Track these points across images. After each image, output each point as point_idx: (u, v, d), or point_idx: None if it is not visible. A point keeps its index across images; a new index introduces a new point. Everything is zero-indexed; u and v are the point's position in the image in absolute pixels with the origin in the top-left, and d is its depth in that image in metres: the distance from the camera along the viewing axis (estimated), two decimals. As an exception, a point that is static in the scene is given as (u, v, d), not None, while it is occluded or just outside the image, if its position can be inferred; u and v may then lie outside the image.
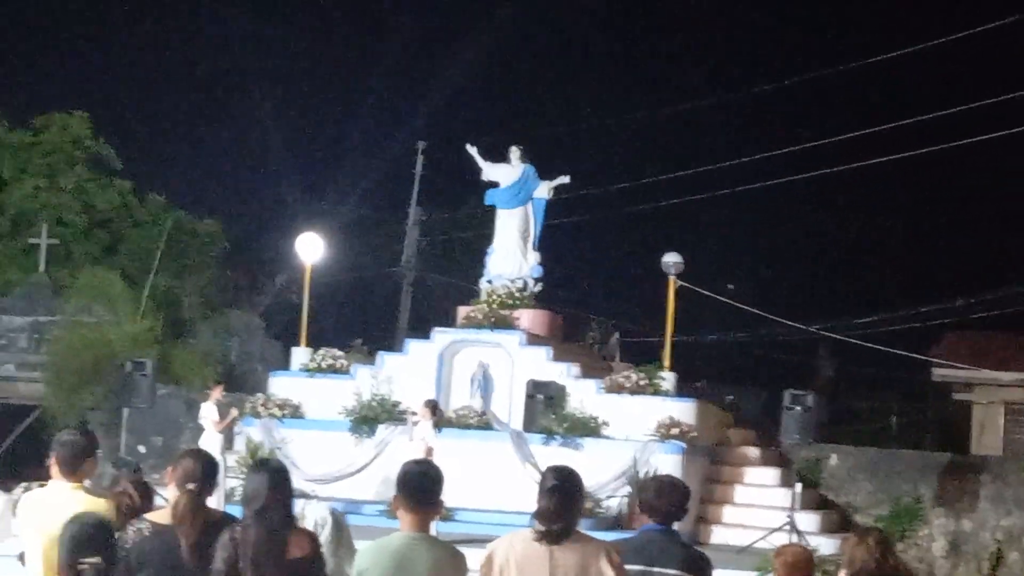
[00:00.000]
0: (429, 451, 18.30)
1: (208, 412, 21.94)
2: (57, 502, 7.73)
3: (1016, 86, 27.88)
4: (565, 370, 22.74)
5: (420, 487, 6.90)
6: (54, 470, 7.90)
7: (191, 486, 6.99)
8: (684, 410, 22.01)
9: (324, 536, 9.28)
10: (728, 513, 22.09)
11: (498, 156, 24.97)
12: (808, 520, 21.07)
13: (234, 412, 22.11)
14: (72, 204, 32.05)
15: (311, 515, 9.36)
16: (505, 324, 23.41)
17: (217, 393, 22.19)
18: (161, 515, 7.07)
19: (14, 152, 33.02)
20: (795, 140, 33.84)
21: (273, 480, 6.86)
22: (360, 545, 7.39)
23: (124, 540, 6.95)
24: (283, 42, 53.61)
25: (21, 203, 32.21)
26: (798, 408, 21.17)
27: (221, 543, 6.73)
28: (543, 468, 7.27)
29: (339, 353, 24.07)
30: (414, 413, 20.55)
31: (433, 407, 20.10)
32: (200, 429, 22.02)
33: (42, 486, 8.11)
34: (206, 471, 7.13)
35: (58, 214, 31.69)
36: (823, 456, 23.59)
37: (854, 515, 22.93)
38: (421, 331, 25.80)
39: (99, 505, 7.67)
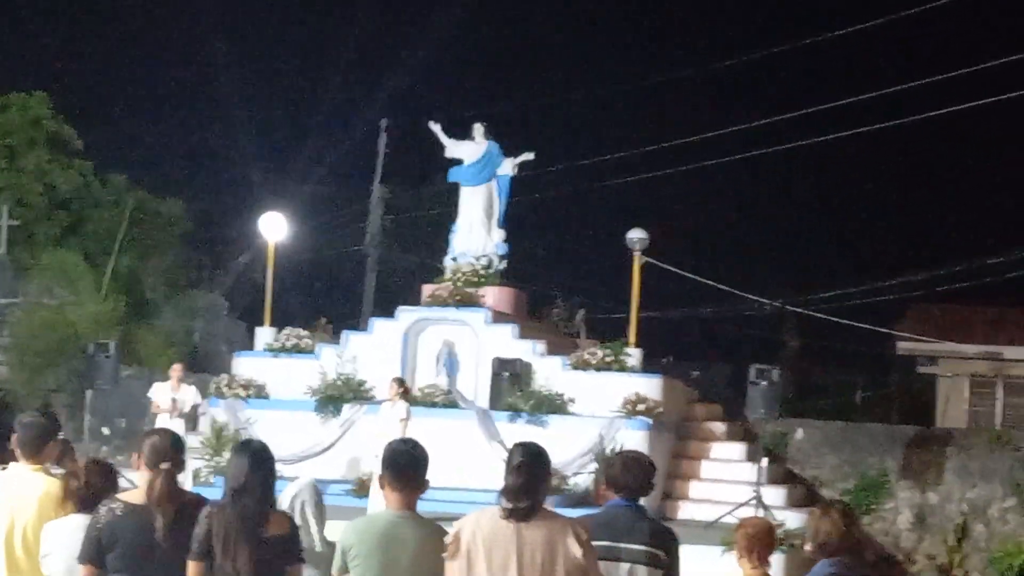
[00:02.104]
0: (403, 428, 18.37)
1: (153, 393, 21.76)
2: (18, 484, 7.66)
3: (981, 59, 27.96)
4: (531, 347, 22.70)
5: (406, 465, 6.96)
6: (16, 452, 7.83)
7: (165, 465, 7.00)
8: (650, 386, 22.00)
9: (308, 510, 9.24)
10: (695, 488, 22.11)
11: (462, 133, 24.87)
12: (774, 494, 21.11)
13: (167, 407, 21.79)
14: (33, 185, 31.83)
15: (290, 491, 9.32)
16: (470, 302, 23.34)
17: (175, 373, 21.99)
18: (133, 495, 7.07)
19: (-27, 133, 32.75)
20: (758, 115, 33.88)
21: (253, 462, 6.97)
22: (329, 525, 7.38)
23: (96, 520, 6.97)
24: (246, 20, 53.37)
25: (-19, 184, 31.95)
26: (763, 383, 21.17)
27: (199, 520, 6.84)
28: (510, 445, 7.23)
29: (303, 333, 23.97)
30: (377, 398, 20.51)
31: (400, 382, 20.13)
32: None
33: (3, 468, 8.04)
34: (176, 449, 7.17)
35: (19, 195, 31.47)
36: (789, 430, 23.64)
37: (820, 489, 22.99)
38: (386, 310, 25.70)
39: (59, 486, 7.61)
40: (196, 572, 6.84)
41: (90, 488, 7.38)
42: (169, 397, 21.72)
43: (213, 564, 6.80)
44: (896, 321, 30.75)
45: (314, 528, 9.05)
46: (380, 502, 7.19)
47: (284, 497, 9.22)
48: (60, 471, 7.95)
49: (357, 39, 51.30)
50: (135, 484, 7.17)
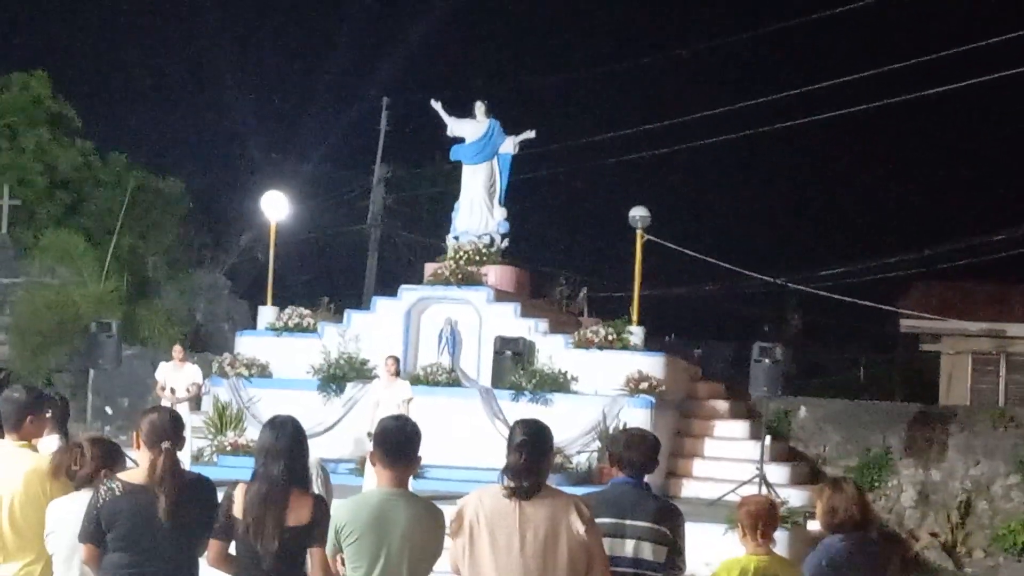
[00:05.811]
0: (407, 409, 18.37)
1: (159, 373, 21.62)
2: (3, 460, 7.60)
3: (979, 36, 27.85)
4: (533, 326, 22.67)
5: (397, 442, 6.89)
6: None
7: (166, 445, 6.97)
8: (653, 364, 21.97)
9: (317, 489, 9.24)
10: (698, 466, 22.10)
11: (463, 111, 24.80)
12: (778, 472, 21.11)
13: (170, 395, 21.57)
14: (33, 164, 31.74)
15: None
16: (472, 280, 23.32)
17: (177, 354, 21.93)
18: (133, 475, 7.05)
19: (-27, 113, 32.67)
20: (761, 92, 33.77)
21: (277, 433, 6.95)
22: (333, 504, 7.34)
23: (95, 499, 6.95)
24: (245, -1, 53.23)
25: (-18, 164, 31.87)
26: (766, 360, 21.10)
27: (223, 496, 6.87)
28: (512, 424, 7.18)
29: (306, 311, 23.94)
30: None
31: (397, 360, 20.15)
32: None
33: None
34: (175, 426, 7.14)
35: (20, 175, 31.38)
36: (792, 408, 23.60)
37: (823, 467, 22.97)
38: (388, 288, 25.65)
39: (45, 462, 7.56)
40: (217, 550, 6.88)
41: (94, 466, 7.31)
42: (172, 377, 21.65)
43: (236, 541, 6.81)
44: (899, 299, 30.72)
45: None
46: (374, 480, 7.14)
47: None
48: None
49: (358, 17, 51.21)
50: (137, 463, 7.14)
